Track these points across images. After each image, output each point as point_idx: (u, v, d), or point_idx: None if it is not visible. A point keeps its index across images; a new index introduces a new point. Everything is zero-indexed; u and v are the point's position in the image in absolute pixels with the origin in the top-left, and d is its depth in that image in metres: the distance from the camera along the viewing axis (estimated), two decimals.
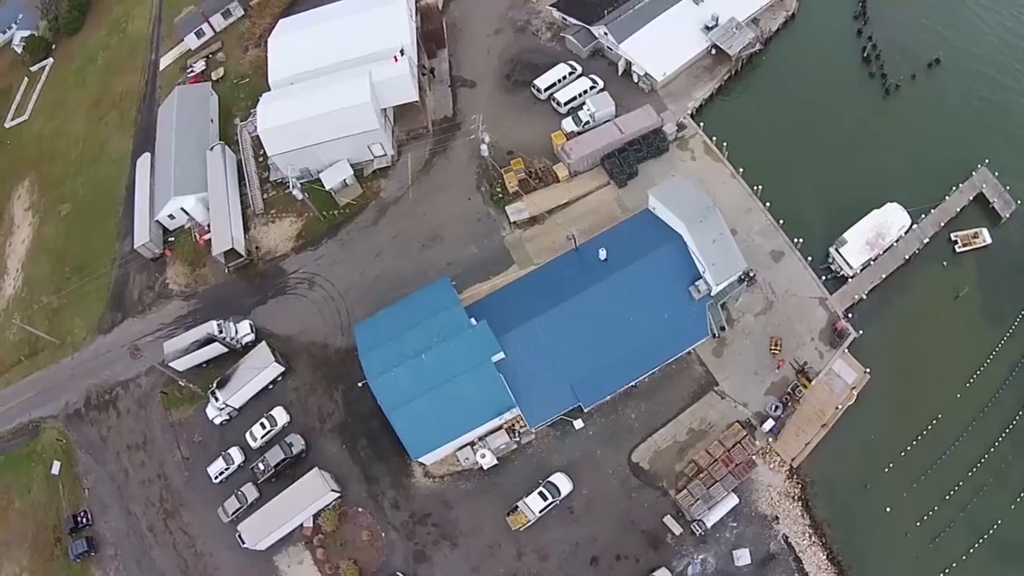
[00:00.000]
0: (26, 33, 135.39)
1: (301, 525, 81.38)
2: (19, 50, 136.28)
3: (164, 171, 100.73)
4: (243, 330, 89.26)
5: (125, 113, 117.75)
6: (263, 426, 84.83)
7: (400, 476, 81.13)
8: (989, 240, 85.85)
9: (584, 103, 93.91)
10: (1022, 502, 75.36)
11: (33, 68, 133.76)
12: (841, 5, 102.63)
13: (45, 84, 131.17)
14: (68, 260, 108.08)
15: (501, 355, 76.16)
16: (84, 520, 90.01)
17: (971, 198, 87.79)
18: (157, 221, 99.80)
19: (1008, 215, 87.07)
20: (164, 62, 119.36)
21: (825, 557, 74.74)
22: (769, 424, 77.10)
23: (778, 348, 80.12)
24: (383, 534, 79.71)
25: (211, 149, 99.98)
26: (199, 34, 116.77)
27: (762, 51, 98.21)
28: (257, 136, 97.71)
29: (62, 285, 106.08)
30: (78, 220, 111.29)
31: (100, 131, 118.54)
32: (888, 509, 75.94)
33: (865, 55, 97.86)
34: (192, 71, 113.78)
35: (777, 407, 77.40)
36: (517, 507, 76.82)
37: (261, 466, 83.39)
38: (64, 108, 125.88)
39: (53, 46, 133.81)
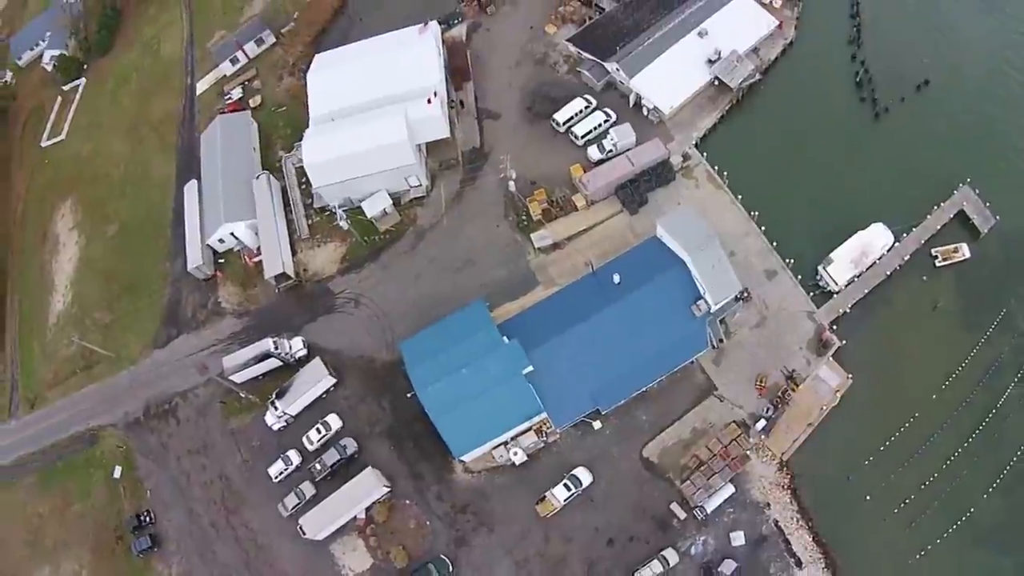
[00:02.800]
0: (55, 52, 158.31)
1: (355, 517, 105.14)
2: (49, 68, 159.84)
3: (212, 198, 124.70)
4: (296, 346, 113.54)
5: (165, 136, 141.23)
6: (319, 431, 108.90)
7: (443, 472, 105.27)
8: (968, 255, 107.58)
9: (608, 133, 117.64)
10: (994, 491, 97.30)
11: (66, 88, 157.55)
12: (837, 31, 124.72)
13: (80, 104, 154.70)
14: (118, 279, 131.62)
15: (530, 368, 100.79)
16: (147, 519, 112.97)
17: (952, 215, 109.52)
18: (208, 244, 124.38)
19: (987, 230, 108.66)
20: (200, 87, 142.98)
21: (811, 539, 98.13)
22: (761, 423, 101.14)
23: (763, 384, 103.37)
24: (428, 523, 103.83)
25: (257, 178, 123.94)
26: (233, 61, 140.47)
27: (761, 80, 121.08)
28: (301, 167, 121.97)
29: (114, 302, 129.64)
30: (126, 240, 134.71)
31: (141, 153, 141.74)
32: (868, 498, 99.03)
33: (858, 80, 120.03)
34: (230, 98, 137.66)
35: (769, 408, 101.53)
36: (545, 497, 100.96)
37: (318, 466, 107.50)
38: (101, 129, 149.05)
39: (85, 66, 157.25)
